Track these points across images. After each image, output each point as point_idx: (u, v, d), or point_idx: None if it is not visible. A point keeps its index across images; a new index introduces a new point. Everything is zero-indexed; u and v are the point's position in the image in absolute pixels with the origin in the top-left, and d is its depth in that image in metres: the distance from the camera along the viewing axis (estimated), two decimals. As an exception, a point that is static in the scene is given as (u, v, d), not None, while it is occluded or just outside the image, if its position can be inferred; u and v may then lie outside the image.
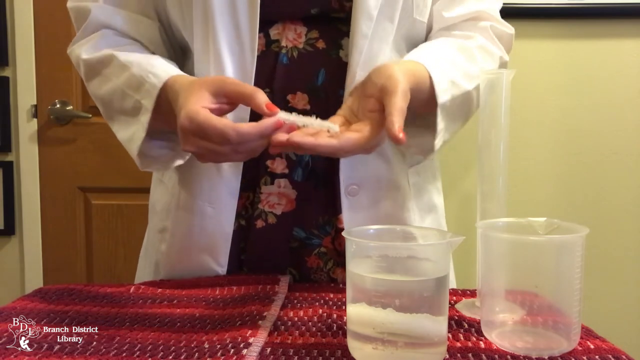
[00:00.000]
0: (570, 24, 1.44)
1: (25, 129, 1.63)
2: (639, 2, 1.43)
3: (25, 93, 1.64)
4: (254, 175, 0.66)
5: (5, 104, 1.65)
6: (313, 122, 0.55)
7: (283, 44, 0.65)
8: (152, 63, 0.65)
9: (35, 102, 1.62)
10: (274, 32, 0.65)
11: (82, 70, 0.71)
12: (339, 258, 0.67)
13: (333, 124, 0.55)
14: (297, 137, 0.52)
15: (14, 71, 1.65)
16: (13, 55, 1.64)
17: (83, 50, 0.69)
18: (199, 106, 0.54)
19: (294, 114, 0.55)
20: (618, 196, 1.50)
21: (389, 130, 0.51)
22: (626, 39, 1.47)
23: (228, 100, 0.56)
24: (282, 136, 0.53)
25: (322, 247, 0.66)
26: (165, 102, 0.61)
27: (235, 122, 0.55)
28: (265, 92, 0.72)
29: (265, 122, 0.53)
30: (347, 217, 0.65)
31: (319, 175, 0.66)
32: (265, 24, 0.64)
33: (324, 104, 0.65)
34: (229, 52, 0.63)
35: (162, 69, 0.64)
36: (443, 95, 0.61)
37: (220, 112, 0.56)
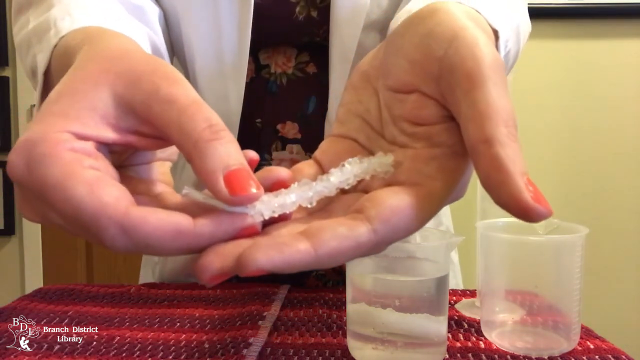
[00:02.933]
0: (571, 24, 1.45)
1: (25, 129, 1.64)
2: (639, 2, 1.43)
3: (25, 93, 1.64)
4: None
5: (5, 104, 1.65)
6: (327, 187, 0.28)
7: (273, 69, 0.62)
8: (80, 2, 0.40)
9: (35, 102, 1.63)
10: (263, 57, 0.62)
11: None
12: (339, 277, 0.65)
13: (382, 159, 0.29)
14: (263, 253, 0.23)
15: (14, 71, 1.66)
16: (13, 55, 1.65)
17: None
18: (62, 132, 0.25)
19: (282, 193, 0.27)
20: (618, 196, 1.50)
21: (502, 187, 0.23)
22: (626, 39, 1.48)
23: (150, 127, 0.27)
24: (218, 254, 0.25)
25: (320, 270, 0.65)
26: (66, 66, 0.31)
27: (162, 177, 0.33)
28: (255, 124, 0.62)
29: (210, 227, 0.25)
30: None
31: None
32: (254, 47, 0.60)
33: (316, 133, 0.61)
34: (215, 82, 0.59)
35: (85, 12, 0.38)
36: (506, 46, 0.39)
37: (126, 147, 0.28)
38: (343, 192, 0.31)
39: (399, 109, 0.30)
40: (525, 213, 0.23)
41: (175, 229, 0.24)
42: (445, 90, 0.27)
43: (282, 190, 0.28)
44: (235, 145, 0.26)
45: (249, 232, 0.26)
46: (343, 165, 0.29)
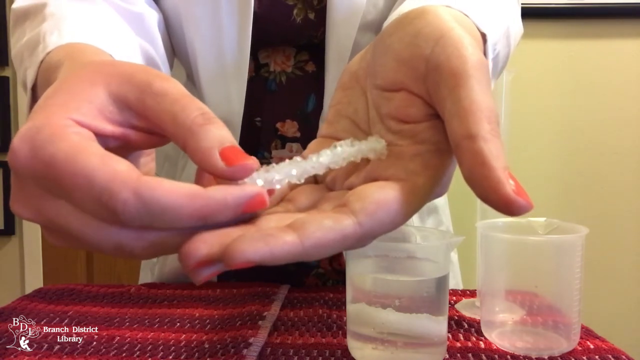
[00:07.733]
0: (570, 24, 1.45)
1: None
2: (639, 2, 1.43)
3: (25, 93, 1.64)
4: None
5: (5, 104, 1.65)
6: (320, 163, 0.29)
7: (272, 68, 0.62)
8: (72, 16, 0.41)
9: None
10: (262, 55, 0.62)
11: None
12: (339, 276, 0.66)
13: (373, 142, 0.30)
14: (250, 245, 0.23)
15: (14, 71, 1.65)
16: (13, 55, 1.65)
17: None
18: (64, 119, 0.25)
19: (276, 165, 0.28)
20: (618, 196, 1.50)
21: (485, 181, 0.24)
22: (626, 39, 1.48)
23: (145, 121, 0.28)
24: (204, 241, 0.24)
25: (320, 269, 0.65)
26: (48, 81, 0.34)
27: (144, 168, 0.32)
28: (255, 122, 0.62)
29: (222, 191, 0.24)
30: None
31: None
32: (253, 47, 0.60)
33: (316, 132, 0.62)
34: (217, 83, 0.59)
35: (74, 27, 0.39)
36: (495, 49, 0.40)
37: (121, 142, 0.28)
38: (330, 189, 0.32)
39: (386, 107, 0.30)
40: (506, 206, 0.25)
41: (189, 192, 0.24)
42: (431, 88, 0.28)
43: (273, 165, 0.28)
44: (227, 130, 0.27)
45: (259, 201, 0.25)
46: (335, 147, 0.30)
